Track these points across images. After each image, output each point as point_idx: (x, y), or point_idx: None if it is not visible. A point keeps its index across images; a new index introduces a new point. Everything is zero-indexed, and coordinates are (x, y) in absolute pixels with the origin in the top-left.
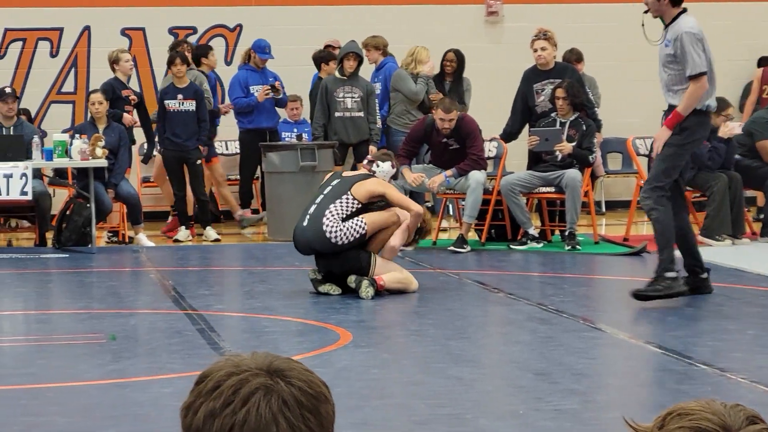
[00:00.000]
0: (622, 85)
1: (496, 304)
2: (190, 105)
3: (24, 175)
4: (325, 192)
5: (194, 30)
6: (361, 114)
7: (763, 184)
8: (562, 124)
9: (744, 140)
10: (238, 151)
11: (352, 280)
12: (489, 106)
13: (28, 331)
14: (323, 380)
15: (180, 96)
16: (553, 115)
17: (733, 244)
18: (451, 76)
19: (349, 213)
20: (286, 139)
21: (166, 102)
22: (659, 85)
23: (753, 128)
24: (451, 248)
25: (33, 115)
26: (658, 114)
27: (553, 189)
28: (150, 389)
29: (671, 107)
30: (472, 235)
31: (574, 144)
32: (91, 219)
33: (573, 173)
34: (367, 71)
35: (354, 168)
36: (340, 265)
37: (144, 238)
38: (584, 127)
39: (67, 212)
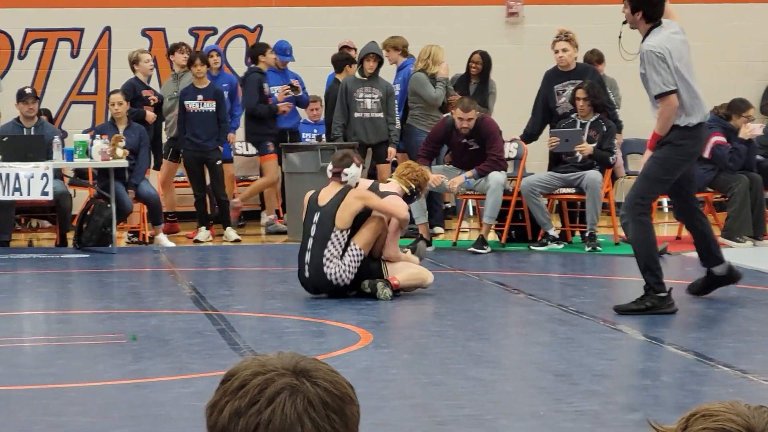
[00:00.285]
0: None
1: (516, 305)
2: (210, 106)
3: (45, 175)
4: (312, 234)
5: (214, 30)
6: (381, 115)
7: None
8: (583, 125)
9: (765, 141)
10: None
11: (366, 285)
12: (509, 108)
13: (49, 331)
14: (348, 381)
15: (200, 96)
16: (573, 116)
17: (754, 246)
18: (477, 78)
19: (343, 247)
20: (307, 139)
21: (186, 102)
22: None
23: None
24: (472, 249)
25: (54, 115)
26: None
27: (573, 190)
28: (170, 389)
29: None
30: (492, 236)
31: (594, 145)
32: (112, 219)
33: (593, 174)
34: (388, 73)
35: (373, 169)
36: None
37: (164, 239)
38: (605, 128)
39: (88, 212)
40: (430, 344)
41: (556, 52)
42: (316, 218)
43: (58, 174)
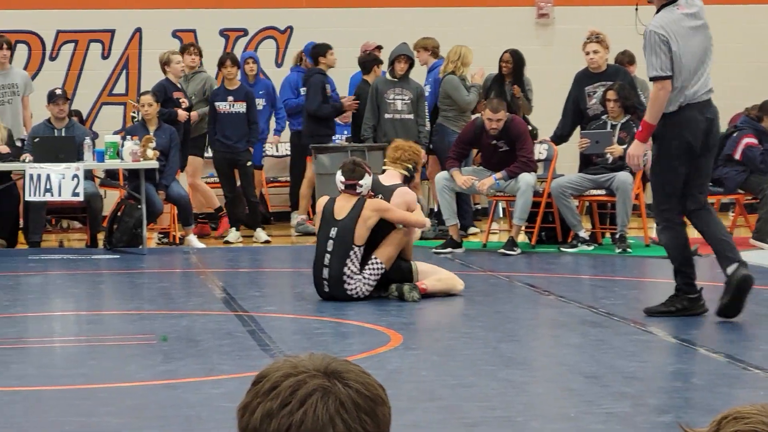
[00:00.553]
0: None
1: (546, 306)
2: (241, 107)
3: (75, 176)
4: (329, 249)
5: (245, 32)
6: (411, 116)
7: None
8: (613, 127)
9: None
10: (289, 152)
11: (393, 289)
12: (539, 109)
13: (80, 332)
14: (380, 383)
15: (230, 98)
16: (604, 117)
17: None
18: (511, 77)
19: (361, 261)
20: (337, 141)
21: (217, 104)
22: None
23: None
24: (501, 251)
25: (84, 116)
26: None
27: (603, 191)
28: (201, 390)
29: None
30: (522, 238)
31: (625, 147)
32: (142, 220)
33: (624, 176)
34: (418, 74)
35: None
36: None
37: (194, 240)
38: (635, 130)
39: (119, 213)
40: (460, 346)
41: (587, 53)
42: (333, 233)
43: (89, 175)
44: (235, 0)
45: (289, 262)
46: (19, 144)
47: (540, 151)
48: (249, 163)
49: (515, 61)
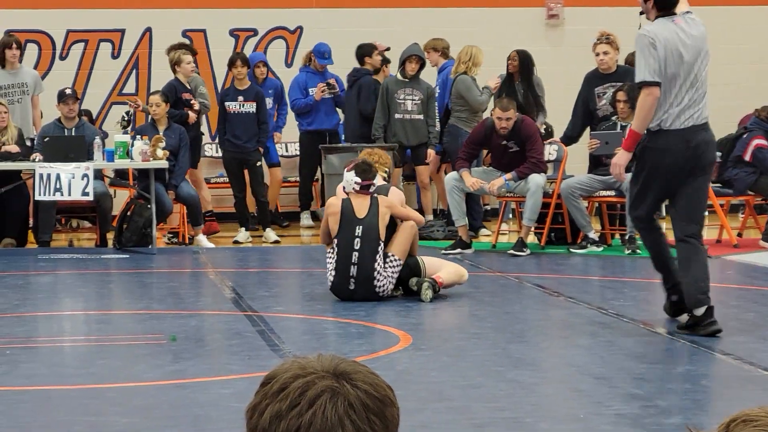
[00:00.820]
0: None
1: (555, 307)
2: (251, 107)
3: (85, 175)
4: (357, 248)
5: (255, 32)
6: (421, 117)
7: None
8: (623, 128)
9: None
10: (298, 152)
11: (414, 282)
12: (550, 110)
13: (89, 332)
14: (388, 384)
15: (240, 98)
16: (614, 118)
17: None
18: (519, 77)
19: (383, 258)
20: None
21: (227, 104)
22: (720, 89)
23: None
24: (511, 251)
25: (94, 116)
26: (719, 118)
27: (613, 192)
28: (210, 390)
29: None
30: (531, 239)
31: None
32: (152, 220)
33: None
34: (428, 75)
35: (412, 170)
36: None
37: (204, 240)
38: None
39: (128, 213)
40: (469, 347)
41: (597, 54)
42: (358, 231)
43: (99, 174)
44: (245, 0)
45: (299, 262)
46: (29, 143)
47: (550, 151)
48: (258, 163)
49: (521, 60)
